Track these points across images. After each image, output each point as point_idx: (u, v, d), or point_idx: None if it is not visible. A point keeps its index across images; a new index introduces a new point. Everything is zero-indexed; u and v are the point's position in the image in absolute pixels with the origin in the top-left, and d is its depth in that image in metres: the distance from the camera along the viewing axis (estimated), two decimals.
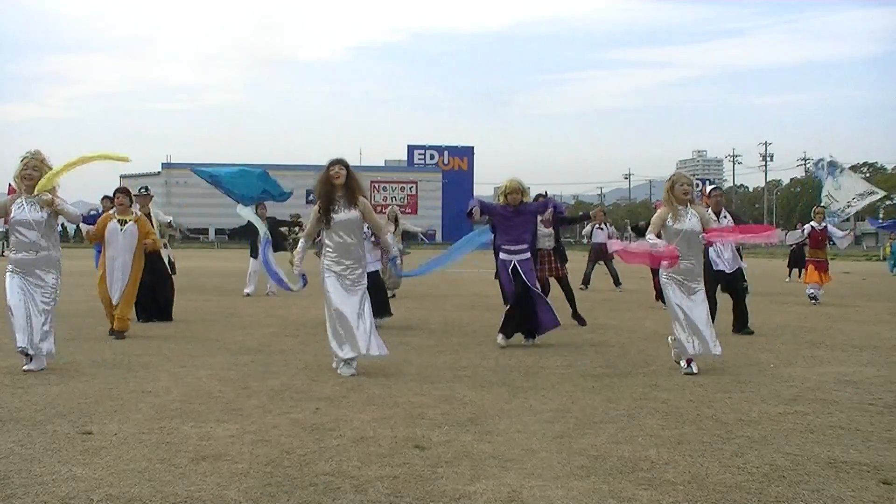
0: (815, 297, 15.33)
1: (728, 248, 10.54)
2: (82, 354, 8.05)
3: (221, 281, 20.23)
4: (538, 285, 9.44)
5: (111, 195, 15.84)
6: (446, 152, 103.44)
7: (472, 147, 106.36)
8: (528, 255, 9.26)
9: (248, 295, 16.00)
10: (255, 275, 16.38)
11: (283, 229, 17.30)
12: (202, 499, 3.77)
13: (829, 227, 15.77)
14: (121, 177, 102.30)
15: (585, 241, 20.08)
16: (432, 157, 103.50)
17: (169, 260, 12.41)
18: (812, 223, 15.73)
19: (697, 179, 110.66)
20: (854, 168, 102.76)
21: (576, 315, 11.28)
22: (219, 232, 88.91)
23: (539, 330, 9.17)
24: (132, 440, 4.75)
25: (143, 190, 12.06)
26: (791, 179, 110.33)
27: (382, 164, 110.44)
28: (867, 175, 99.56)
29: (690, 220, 7.55)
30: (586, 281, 18.95)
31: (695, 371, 7.29)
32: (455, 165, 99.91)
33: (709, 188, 11.41)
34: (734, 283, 10.62)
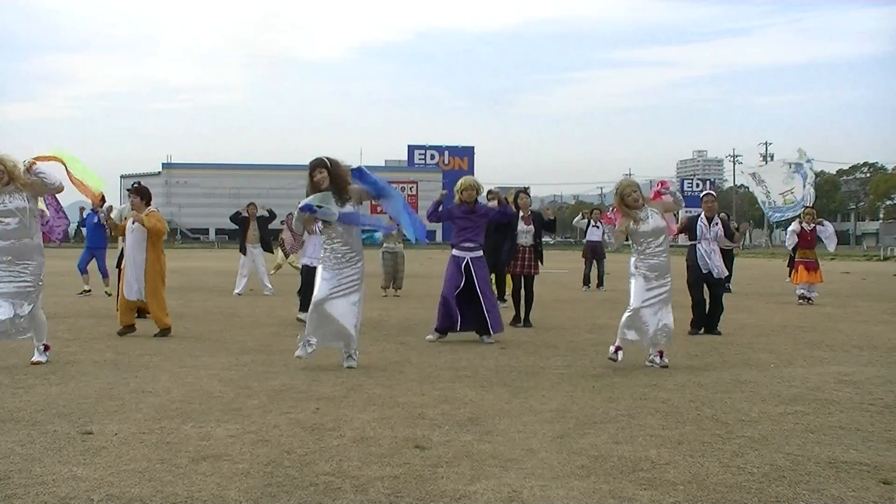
0: (805, 298, 15.41)
1: (716, 252, 10.52)
2: (83, 354, 8.05)
3: (222, 281, 20.23)
4: (490, 287, 9.56)
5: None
6: (447, 152, 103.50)
7: (473, 147, 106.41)
8: (481, 253, 9.49)
9: (238, 295, 15.96)
10: (245, 274, 16.36)
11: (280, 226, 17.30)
12: (202, 499, 3.77)
13: (819, 227, 15.83)
14: (121, 177, 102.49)
15: (584, 240, 20.07)
16: (433, 157, 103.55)
17: None
18: (802, 224, 15.79)
19: (698, 180, 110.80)
20: (854, 168, 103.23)
21: (526, 320, 11.17)
22: (219, 232, 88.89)
23: (490, 330, 9.31)
24: (133, 440, 4.75)
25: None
26: None
27: (383, 164, 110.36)
28: (867, 175, 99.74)
29: (652, 218, 7.67)
30: (586, 281, 18.98)
31: (618, 359, 7.44)
32: (455, 165, 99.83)
33: (702, 194, 11.47)
34: (716, 286, 10.63)
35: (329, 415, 5.46)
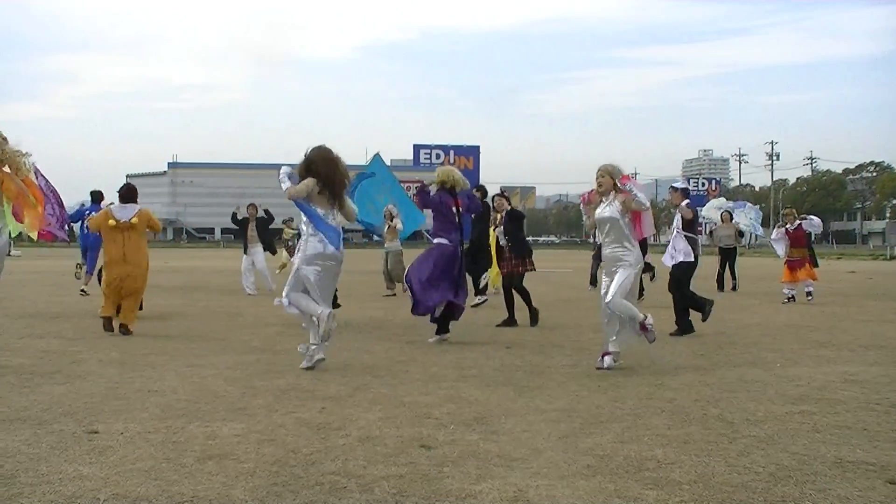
0: (791, 298, 15.32)
1: (677, 240, 10.27)
2: (88, 353, 8.06)
3: (227, 280, 20.27)
4: (414, 273, 9.28)
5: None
6: (452, 152, 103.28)
7: (478, 146, 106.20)
8: (436, 240, 9.32)
9: (251, 294, 16.00)
10: (250, 272, 16.37)
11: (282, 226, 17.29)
12: (208, 498, 3.78)
13: (804, 223, 15.87)
14: (126, 176, 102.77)
15: (591, 240, 20.05)
16: (438, 156, 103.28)
17: None
18: (787, 226, 15.83)
19: (704, 179, 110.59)
20: (861, 167, 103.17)
21: (531, 318, 11.09)
22: (225, 231, 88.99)
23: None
24: (138, 439, 4.76)
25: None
26: (797, 178, 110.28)
27: (388, 164, 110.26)
28: (874, 174, 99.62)
29: (608, 207, 7.60)
30: (593, 281, 18.95)
31: (603, 365, 7.37)
32: (461, 165, 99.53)
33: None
34: (672, 280, 10.33)
35: (334, 414, 5.46)
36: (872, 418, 5.50)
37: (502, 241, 11.21)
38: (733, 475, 4.19)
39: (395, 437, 4.86)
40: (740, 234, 19.17)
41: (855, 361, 8.00)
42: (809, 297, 15.31)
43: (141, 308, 11.49)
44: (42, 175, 10.99)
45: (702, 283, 16.77)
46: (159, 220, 11.03)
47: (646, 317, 7.43)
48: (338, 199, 7.49)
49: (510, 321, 10.97)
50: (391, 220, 14.93)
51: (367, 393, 6.21)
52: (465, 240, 9.53)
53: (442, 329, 9.28)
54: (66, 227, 11.01)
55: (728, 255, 18.82)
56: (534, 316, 11.04)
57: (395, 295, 16.14)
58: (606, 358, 7.43)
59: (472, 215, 10.20)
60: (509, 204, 11.72)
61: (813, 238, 17.87)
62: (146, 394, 6.08)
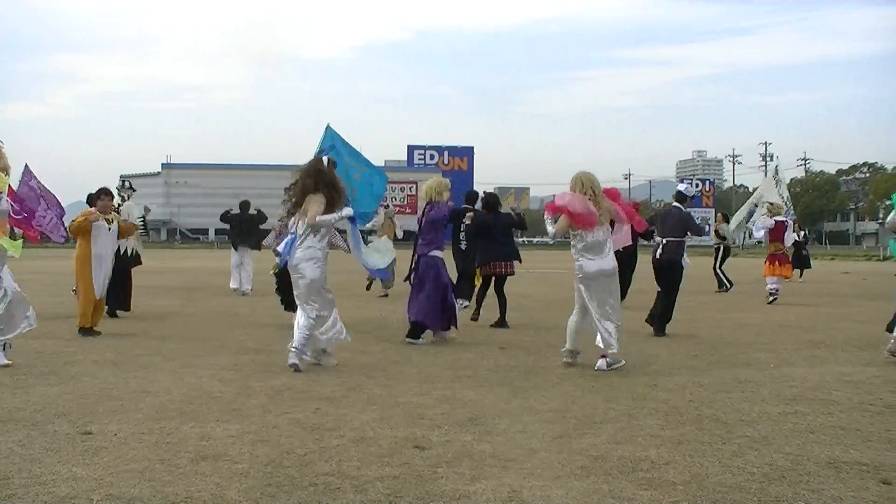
0: (775, 293, 15.22)
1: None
2: (82, 354, 8.04)
3: (222, 281, 20.20)
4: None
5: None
6: (446, 152, 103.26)
7: (472, 147, 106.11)
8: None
9: (240, 292, 15.98)
10: (238, 269, 16.33)
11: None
12: (202, 499, 3.77)
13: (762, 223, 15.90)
14: (120, 176, 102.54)
15: None
16: (432, 157, 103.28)
17: (134, 252, 12.30)
18: (775, 218, 15.81)
19: (698, 179, 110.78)
20: (854, 168, 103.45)
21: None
22: (219, 232, 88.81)
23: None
24: (132, 440, 4.75)
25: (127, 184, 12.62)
26: (791, 179, 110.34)
27: (382, 165, 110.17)
28: (867, 175, 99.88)
29: None
30: None
31: (595, 366, 7.42)
32: (455, 166, 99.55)
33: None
34: None
35: (329, 415, 5.46)
36: (866, 419, 5.51)
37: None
38: (727, 475, 4.20)
39: (389, 438, 4.86)
40: (720, 235, 19.00)
41: (849, 362, 8.03)
42: (771, 298, 15.07)
43: (129, 309, 11.56)
44: (34, 176, 10.88)
45: (699, 282, 16.82)
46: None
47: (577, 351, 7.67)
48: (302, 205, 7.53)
49: (500, 321, 10.95)
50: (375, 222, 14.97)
51: (362, 393, 6.21)
52: (435, 247, 9.42)
53: (410, 334, 9.23)
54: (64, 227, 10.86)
55: (714, 255, 18.83)
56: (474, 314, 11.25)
57: (387, 296, 16.10)
58: (600, 360, 7.42)
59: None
60: (485, 207, 11.49)
61: (806, 239, 17.82)
62: (140, 394, 6.07)
